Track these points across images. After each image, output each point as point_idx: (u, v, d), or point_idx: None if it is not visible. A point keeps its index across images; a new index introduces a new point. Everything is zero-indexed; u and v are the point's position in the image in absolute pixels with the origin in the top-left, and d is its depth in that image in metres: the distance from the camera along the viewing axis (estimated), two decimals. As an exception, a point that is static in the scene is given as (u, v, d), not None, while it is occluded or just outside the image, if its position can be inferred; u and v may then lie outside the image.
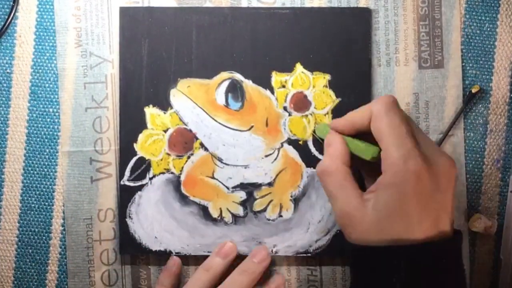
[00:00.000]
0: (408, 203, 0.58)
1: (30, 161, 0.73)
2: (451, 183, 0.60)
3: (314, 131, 0.71)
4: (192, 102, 0.71)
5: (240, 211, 0.72)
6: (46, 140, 0.73)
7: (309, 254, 0.72)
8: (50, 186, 0.73)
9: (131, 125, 0.72)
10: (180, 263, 0.72)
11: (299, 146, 0.72)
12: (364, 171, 0.67)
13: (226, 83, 0.71)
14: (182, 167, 0.72)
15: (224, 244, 0.71)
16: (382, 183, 0.60)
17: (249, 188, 0.72)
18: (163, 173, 0.72)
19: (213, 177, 0.72)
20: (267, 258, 0.71)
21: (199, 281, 0.70)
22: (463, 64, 0.73)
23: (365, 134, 0.63)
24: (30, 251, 0.73)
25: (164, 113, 0.71)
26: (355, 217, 0.60)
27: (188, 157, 0.72)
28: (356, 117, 0.64)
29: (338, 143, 0.64)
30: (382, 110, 0.61)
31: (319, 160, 0.71)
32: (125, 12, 0.71)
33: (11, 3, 0.72)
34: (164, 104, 0.71)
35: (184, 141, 0.72)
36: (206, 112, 0.71)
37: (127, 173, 0.72)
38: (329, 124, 0.67)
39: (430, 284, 0.58)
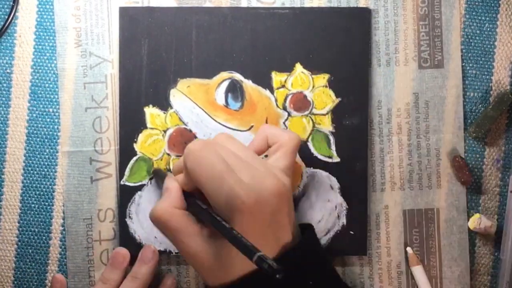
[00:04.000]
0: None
1: (30, 161, 0.73)
2: (279, 205, 0.60)
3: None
4: (192, 102, 0.71)
5: (240, 211, 0.72)
6: (46, 140, 0.73)
7: (309, 254, 0.72)
8: (50, 186, 0.73)
9: (131, 125, 0.71)
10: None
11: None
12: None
13: (226, 83, 0.71)
14: (182, 167, 0.72)
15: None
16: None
17: (249, 188, 0.72)
18: (163, 173, 0.72)
19: (213, 177, 0.72)
20: (155, 257, 0.71)
21: None
22: (463, 64, 0.73)
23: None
24: (30, 251, 0.73)
25: (164, 113, 0.71)
26: (198, 256, 0.60)
27: (188, 157, 0.72)
28: (182, 179, 0.64)
29: (174, 189, 0.63)
30: (191, 162, 0.61)
31: (319, 160, 0.72)
32: (125, 12, 0.71)
33: (11, 3, 0.72)
34: (164, 104, 0.71)
35: (184, 141, 0.72)
36: (206, 112, 0.71)
37: (127, 173, 0.72)
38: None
39: None
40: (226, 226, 0.57)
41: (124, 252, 0.71)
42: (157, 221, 0.62)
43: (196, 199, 0.62)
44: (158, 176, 0.70)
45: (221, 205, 0.59)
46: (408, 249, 0.72)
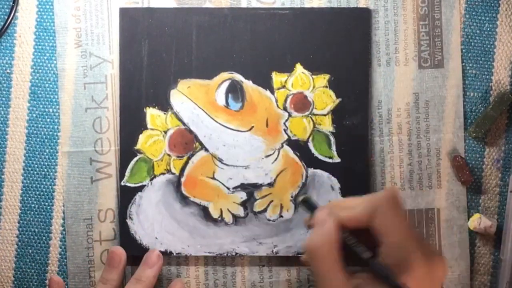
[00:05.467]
0: None
1: (30, 161, 0.73)
2: (439, 285, 0.58)
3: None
4: (192, 103, 0.71)
5: (240, 211, 0.72)
6: (46, 140, 0.73)
7: (310, 254, 0.72)
8: (50, 186, 0.73)
9: (131, 125, 0.72)
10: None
11: (299, 146, 0.72)
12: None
13: (226, 84, 0.71)
14: (183, 168, 0.72)
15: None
16: None
17: (250, 189, 0.72)
18: (163, 173, 0.72)
19: (213, 178, 0.72)
20: (159, 260, 0.71)
21: None
22: (463, 64, 0.73)
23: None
24: (30, 251, 0.73)
25: (164, 113, 0.71)
26: None
27: (189, 158, 0.72)
28: (357, 213, 0.60)
29: (332, 226, 0.59)
30: (388, 206, 0.58)
31: (319, 160, 0.72)
32: (125, 13, 0.71)
33: (11, 3, 0.72)
34: (164, 105, 0.71)
35: (184, 142, 0.72)
36: (206, 113, 0.71)
37: (127, 173, 0.72)
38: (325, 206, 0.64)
39: None
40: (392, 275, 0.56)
41: (119, 252, 0.71)
42: (312, 253, 0.59)
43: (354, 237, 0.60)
44: (307, 205, 0.65)
45: (419, 270, 0.56)
46: None
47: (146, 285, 0.70)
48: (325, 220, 0.60)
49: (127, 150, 0.72)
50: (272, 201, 0.72)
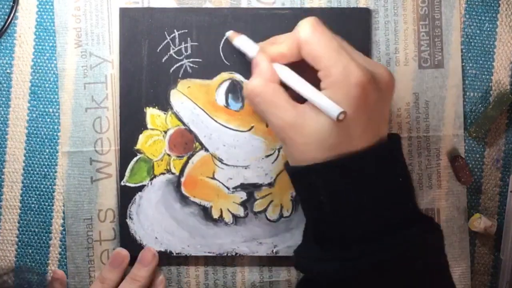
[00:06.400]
0: (353, 117, 0.57)
1: (30, 161, 0.73)
2: (390, 93, 0.61)
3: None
4: (192, 103, 0.71)
5: (240, 211, 0.72)
6: (46, 140, 0.73)
7: (310, 254, 0.72)
8: (50, 186, 0.73)
9: (131, 125, 0.71)
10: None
11: (299, 146, 0.72)
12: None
13: (226, 84, 0.71)
14: (183, 168, 0.72)
15: (115, 253, 0.72)
16: None
17: (250, 189, 0.72)
18: (163, 173, 0.72)
19: (213, 178, 0.72)
20: (154, 259, 0.71)
21: None
22: (463, 64, 0.73)
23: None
24: (30, 251, 0.73)
25: (164, 113, 0.71)
26: (294, 127, 0.59)
27: (189, 158, 0.72)
28: (284, 49, 0.62)
29: (265, 63, 0.62)
30: (310, 33, 0.60)
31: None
32: (125, 13, 0.71)
33: (11, 3, 0.72)
34: (164, 105, 0.71)
35: (184, 142, 0.72)
36: (206, 113, 0.71)
37: (127, 173, 0.72)
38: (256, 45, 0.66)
39: (376, 188, 0.58)
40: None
41: (124, 253, 0.71)
42: (251, 95, 0.62)
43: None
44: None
45: (336, 78, 0.58)
46: None
47: (141, 284, 0.70)
48: (258, 61, 0.63)
49: (127, 150, 0.72)
50: (272, 201, 0.72)
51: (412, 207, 0.61)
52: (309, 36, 0.60)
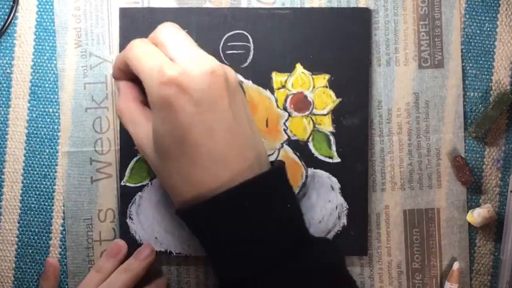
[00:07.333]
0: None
1: (30, 161, 0.73)
2: (223, 87, 0.61)
3: None
4: (192, 103, 0.71)
5: (240, 211, 0.72)
6: (46, 140, 0.73)
7: (309, 254, 0.72)
8: (50, 186, 0.73)
9: (131, 125, 0.71)
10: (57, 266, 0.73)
11: (299, 146, 0.72)
12: None
13: (226, 84, 0.71)
14: (183, 168, 0.72)
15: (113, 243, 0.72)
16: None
17: (250, 189, 0.72)
18: (163, 173, 0.72)
19: (213, 178, 0.72)
20: (151, 255, 0.71)
21: (91, 282, 0.70)
22: (463, 64, 0.73)
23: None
24: (30, 251, 0.73)
25: (164, 113, 0.71)
26: (146, 148, 0.63)
27: (189, 158, 0.72)
28: (118, 62, 0.66)
29: (122, 85, 0.66)
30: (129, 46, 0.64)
31: (319, 160, 0.72)
32: (125, 13, 0.71)
33: (11, 3, 0.72)
34: (164, 105, 0.71)
35: (184, 142, 0.71)
36: (206, 113, 0.71)
37: (127, 174, 0.72)
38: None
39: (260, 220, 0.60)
40: None
41: (122, 244, 0.71)
42: (117, 114, 0.66)
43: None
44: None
45: (148, 89, 0.61)
46: (456, 264, 0.72)
47: (133, 276, 0.69)
48: (117, 85, 0.67)
49: (127, 150, 0.72)
50: (272, 201, 0.72)
51: (304, 230, 0.63)
52: (127, 53, 0.63)
